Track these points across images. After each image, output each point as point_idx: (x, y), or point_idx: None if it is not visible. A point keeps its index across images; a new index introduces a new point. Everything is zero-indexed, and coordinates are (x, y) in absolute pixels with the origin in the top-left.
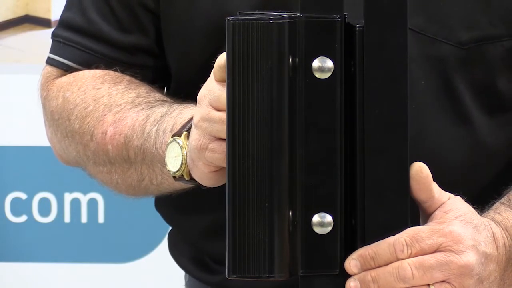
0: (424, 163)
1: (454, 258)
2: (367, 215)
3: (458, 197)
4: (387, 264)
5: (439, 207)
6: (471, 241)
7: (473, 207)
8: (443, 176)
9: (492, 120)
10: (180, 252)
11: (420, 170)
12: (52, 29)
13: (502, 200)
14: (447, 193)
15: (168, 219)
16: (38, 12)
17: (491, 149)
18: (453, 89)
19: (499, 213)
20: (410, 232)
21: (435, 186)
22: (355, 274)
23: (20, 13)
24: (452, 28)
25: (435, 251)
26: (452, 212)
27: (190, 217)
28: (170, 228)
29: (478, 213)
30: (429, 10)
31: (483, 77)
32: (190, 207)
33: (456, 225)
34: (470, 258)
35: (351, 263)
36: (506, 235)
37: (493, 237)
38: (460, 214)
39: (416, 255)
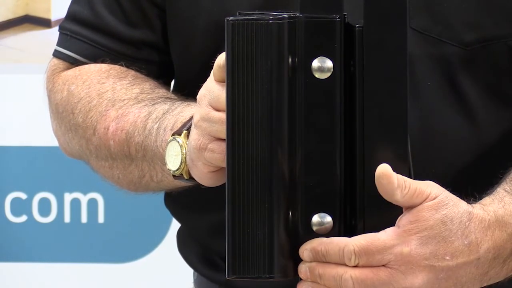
0: (430, 162)
1: (399, 278)
2: (366, 215)
3: (440, 198)
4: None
5: (408, 212)
6: (426, 261)
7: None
8: (448, 174)
9: (499, 119)
10: (189, 249)
11: (380, 176)
12: (52, 29)
13: (507, 187)
14: (425, 193)
15: (176, 216)
16: (38, 12)
17: (498, 149)
18: (458, 89)
19: (503, 206)
20: (362, 241)
21: (400, 190)
22: (307, 262)
23: (20, 13)
24: (456, 29)
25: (383, 266)
26: (417, 224)
27: (197, 214)
28: (179, 226)
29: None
30: (432, 11)
31: (488, 77)
32: (198, 204)
33: (413, 243)
34: (416, 280)
35: (304, 253)
36: (501, 234)
37: (472, 243)
38: (425, 227)
39: (363, 266)
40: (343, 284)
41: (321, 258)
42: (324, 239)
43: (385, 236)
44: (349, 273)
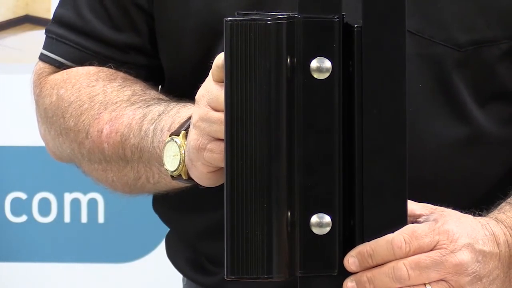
0: (422, 163)
1: (449, 256)
2: (365, 216)
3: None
4: (384, 262)
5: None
6: (466, 239)
7: (472, 211)
8: (443, 176)
9: (492, 121)
10: (177, 254)
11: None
12: None
13: (508, 200)
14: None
15: (165, 219)
16: (38, 12)
17: (491, 149)
18: (451, 90)
19: (503, 212)
20: (409, 229)
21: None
22: (354, 271)
23: (20, 13)
24: (449, 30)
25: (431, 250)
26: (443, 213)
27: (187, 217)
28: (168, 230)
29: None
30: (425, 12)
31: (480, 79)
32: (188, 207)
33: (452, 224)
34: (464, 256)
35: (350, 260)
36: (509, 233)
37: (493, 235)
38: (452, 216)
39: (414, 253)
40: (396, 273)
41: (368, 260)
42: (366, 242)
43: (425, 224)
44: (401, 262)
